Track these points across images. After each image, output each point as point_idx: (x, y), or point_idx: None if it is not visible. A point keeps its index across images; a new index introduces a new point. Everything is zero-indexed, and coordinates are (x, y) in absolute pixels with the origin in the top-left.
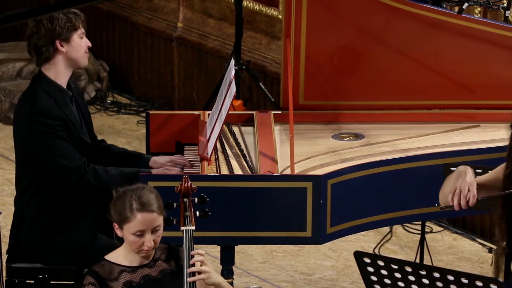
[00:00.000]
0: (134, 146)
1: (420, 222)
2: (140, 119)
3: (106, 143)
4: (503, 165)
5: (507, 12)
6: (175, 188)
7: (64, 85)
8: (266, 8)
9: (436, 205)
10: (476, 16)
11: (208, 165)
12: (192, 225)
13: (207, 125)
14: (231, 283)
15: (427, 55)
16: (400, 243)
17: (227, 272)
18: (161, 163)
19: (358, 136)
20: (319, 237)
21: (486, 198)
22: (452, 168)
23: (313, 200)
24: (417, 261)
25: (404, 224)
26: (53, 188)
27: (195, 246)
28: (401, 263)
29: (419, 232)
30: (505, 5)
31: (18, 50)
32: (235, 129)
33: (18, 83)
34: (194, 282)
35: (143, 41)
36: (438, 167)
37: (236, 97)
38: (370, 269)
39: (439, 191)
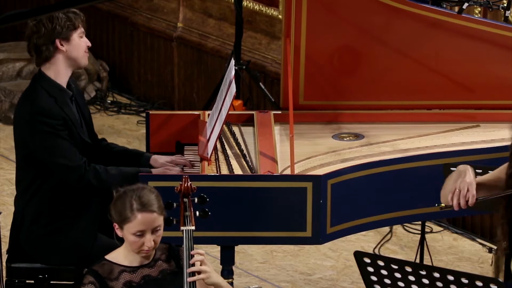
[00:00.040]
0: (134, 146)
1: (420, 222)
2: (140, 119)
3: (107, 141)
4: (505, 165)
5: (507, 12)
6: (175, 188)
7: (64, 85)
8: (266, 8)
9: (436, 205)
10: (476, 16)
11: (208, 165)
12: (192, 225)
13: (207, 125)
14: (231, 283)
15: (427, 55)
16: (400, 243)
17: (227, 272)
18: (161, 163)
19: (358, 136)
20: (319, 237)
21: (485, 198)
22: (452, 168)
23: (313, 200)
24: (417, 261)
25: (404, 224)
26: (53, 188)
27: (195, 246)
28: (401, 263)
29: (419, 232)
30: (505, 5)
31: (18, 50)
32: (235, 129)
33: (18, 83)
34: (194, 282)
35: (143, 41)
36: (438, 167)
37: (236, 97)
38: (370, 269)
39: (439, 191)
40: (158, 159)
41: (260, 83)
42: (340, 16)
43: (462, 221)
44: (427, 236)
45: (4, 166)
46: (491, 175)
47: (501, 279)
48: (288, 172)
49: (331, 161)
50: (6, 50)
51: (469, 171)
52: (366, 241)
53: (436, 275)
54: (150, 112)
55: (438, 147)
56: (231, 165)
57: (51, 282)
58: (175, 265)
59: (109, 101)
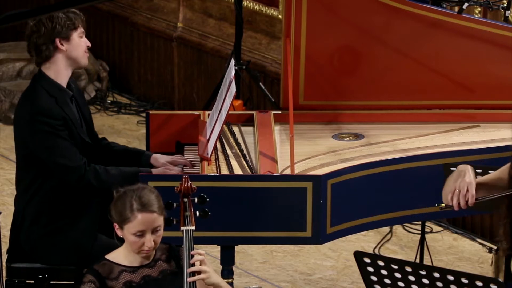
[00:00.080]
0: (134, 146)
1: (420, 222)
2: (140, 119)
3: (107, 141)
4: (507, 166)
5: (507, 12)
6: (175, 188)
7: (64, 85)
8: (266, 8)
9: (436, 205)
10: (476, 16)
11: (208, 165)
12: (192, 225)
13: (207, 125)
14: (231, 283)
15: (427, 55)
16: (400, 243)
17: (227, 272)
18: (162, 163)
19: (358, 136)
20: (319, 237)
21: (485, 198)
22: (452, 168)
23: (313, 200)
24: (417, 261)
25: (404, 224)
26: (53, 188)
27: (195, 246)
28: (401, 263)
29: (419, 232)
30: (505, 5)
31: (18, 50)
32: (235, 129)
33: (18, 83)
34: (194, 282)
35: (143, 41)
36: (438, 167)
37: (236, 97)
38: (370, 269)
39: (439, 191)
40: (159, 159)
41: (260, 83)
42: (340, 16)
43: (462, 221)
44: (427, 236)
45: (4, 166)
46: (492, 175)
47: (501, 279)
48: (288, 172)
49: (331, 161)
50: (6, 50)
51: (469, 171)
52: (366, 241)
53: (436, 275)
54: (150, 112)
55: (438, 147)
56: (231, 165)
57: (51, 282)
58: (175, 265)
59: (109, 101)
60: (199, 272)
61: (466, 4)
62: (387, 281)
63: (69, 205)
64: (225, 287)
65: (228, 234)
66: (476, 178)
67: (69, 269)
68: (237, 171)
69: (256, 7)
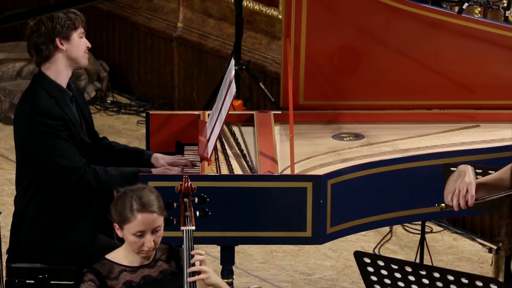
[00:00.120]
0: (134, 146)
1: (420, 222)
2: (140, 119)
3: (108, 140)
4: (508, 166)
5: (507, 12)
6: (175, 188)
7: (64, 85)
8: (266, 8)
9: (436, 205)
10: (476, 16)
11: (208, 165)
12: (192, 225)
13: (207, 125)
14: (231, 283)
15: (427, 55)
16: (400, 243)
17: (227, 272)
18: (162, 163)
19: (358, 136)
20: (319, 237)
21: (484, 199)
22: (452, 168)
23: (313, 200)
24: (417, 261)
25: (404, 224)
26: (53, 188)
27: (195, 246)
28: (401, 263)
29: (419, 232)
30: (505, 5)
31: (18, 50)
32: (235, 129)
33: (18, 83)
34: (194, 282)
35: (143, 41)
36: (438, 167)
37: (236, 97)
38: (370, 269)
39: (439, 191)
40: (159, 159)
41: (260, 83)
42: (340, 16)
43: (462, 221)
44: (427, 236)
45: (4, 166)
46: (493, 175)
47: (501, 279)
48: (288, 172)
49: (331, 161)
50: (6, 50)
51: (469, 171)
52: (366, 241)
53: (436, 275)
54: (150, 112)
55: (438, 147)
56: (231, 165)
57: (51, 282)
58: (175, 265)
59: (109, 101)
60: (199, 272)
61: (466, 4)
62: (387, 281)
63: (69, 205)
64: (224, 287)
65: (228, 234)
66: (476, 178)
67: (69, 269)
68: (237, 171)
69: (256, 7)
